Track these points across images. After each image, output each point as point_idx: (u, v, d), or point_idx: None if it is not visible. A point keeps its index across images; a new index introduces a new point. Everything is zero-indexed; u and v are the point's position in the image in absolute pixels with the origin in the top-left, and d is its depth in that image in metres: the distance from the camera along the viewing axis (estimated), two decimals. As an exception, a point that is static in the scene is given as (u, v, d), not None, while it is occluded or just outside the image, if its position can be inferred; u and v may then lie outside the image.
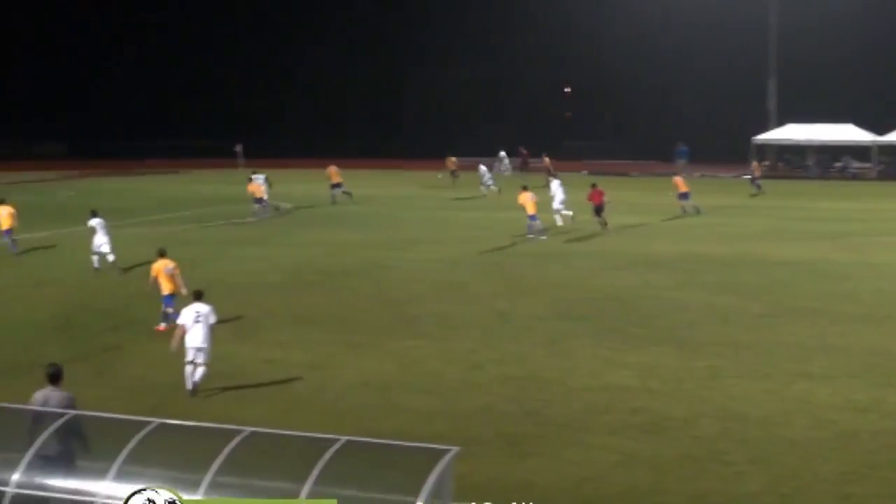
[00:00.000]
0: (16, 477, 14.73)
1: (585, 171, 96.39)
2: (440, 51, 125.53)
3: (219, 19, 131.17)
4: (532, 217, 51.78)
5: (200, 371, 25.48)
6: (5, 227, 47.50)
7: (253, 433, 14.86)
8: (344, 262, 44.69)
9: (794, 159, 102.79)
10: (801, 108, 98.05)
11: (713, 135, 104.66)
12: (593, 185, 56.50)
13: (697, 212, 61.96)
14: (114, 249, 42.68)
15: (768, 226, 57.65)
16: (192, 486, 14.07)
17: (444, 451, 14.11)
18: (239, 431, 14.81)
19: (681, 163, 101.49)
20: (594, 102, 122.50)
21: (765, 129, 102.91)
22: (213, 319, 25.53)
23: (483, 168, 79.04)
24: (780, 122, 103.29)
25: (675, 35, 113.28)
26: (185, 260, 43.89)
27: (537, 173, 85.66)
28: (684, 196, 62.27)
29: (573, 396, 25.05)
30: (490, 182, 77.63)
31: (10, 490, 14.48)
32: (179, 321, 25.84)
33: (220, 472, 14.11)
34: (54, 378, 18.20)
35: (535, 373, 27.12)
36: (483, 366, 27.89)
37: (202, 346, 25.35)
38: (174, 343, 25.62)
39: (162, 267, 32.05)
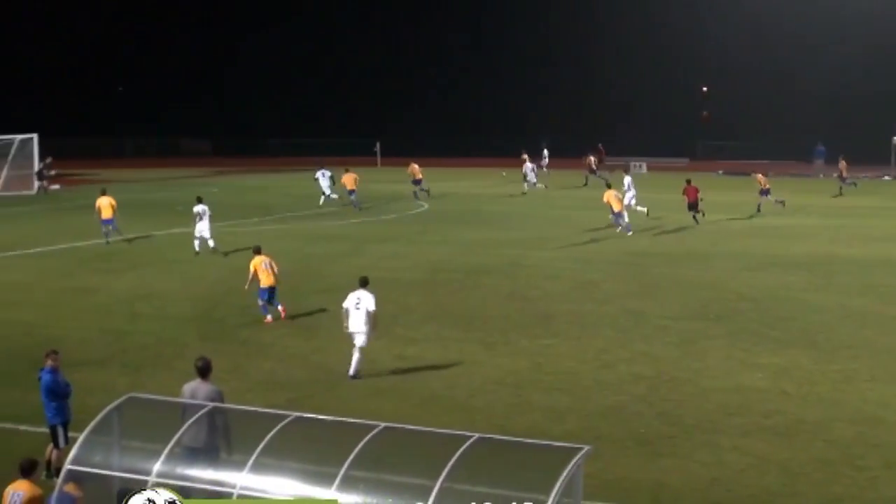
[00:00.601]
0: (156, 467, 15.03)
1: (721, 171, 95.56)
2: (575, 50, 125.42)
3: (357, 23, 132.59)
4: (617, 214, 51.90)
5: (356, 357, 26.37)
6: (106, 216, 49.13)
7: (386, 428, 15.03)
8: (478, 260, 44.89)
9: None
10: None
11: (853, 135, 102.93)
12: (688, 181, 56.67)
13: (759, 210, 62.17)
14: (213, 235, 45.92)
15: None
16: (327, 479, 14.25)
17: (576, 450, 14.11)
18: (373, 426, 14.96)
19: (818, 163, 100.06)
20: (731, 103, 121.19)
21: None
22: (371, 307, 26.26)
23: (528, 165, 78.21)
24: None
25: (816, 34, 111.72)
26: (322, 255, 44.74)
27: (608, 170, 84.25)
28: (765, 192, 62.30)
29: (705, 397, 24.95)
30: (534, 179, 77.09)
31: (151, 479, 14.78)
32: (344, 305, 26.64)
33: (352, 466, 14.27)
34: (203, 371, 18.59)
35: (667, 373, 27.04)
36: (615, 365, 27.90)
37: (359, 330, 26.21)
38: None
39: (260, 262, 32.97)
